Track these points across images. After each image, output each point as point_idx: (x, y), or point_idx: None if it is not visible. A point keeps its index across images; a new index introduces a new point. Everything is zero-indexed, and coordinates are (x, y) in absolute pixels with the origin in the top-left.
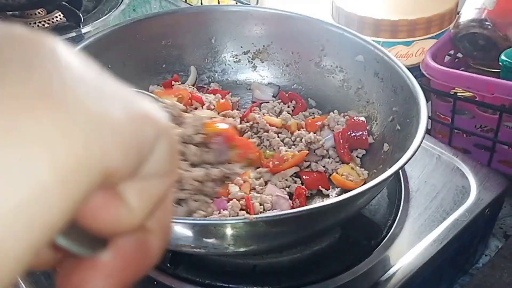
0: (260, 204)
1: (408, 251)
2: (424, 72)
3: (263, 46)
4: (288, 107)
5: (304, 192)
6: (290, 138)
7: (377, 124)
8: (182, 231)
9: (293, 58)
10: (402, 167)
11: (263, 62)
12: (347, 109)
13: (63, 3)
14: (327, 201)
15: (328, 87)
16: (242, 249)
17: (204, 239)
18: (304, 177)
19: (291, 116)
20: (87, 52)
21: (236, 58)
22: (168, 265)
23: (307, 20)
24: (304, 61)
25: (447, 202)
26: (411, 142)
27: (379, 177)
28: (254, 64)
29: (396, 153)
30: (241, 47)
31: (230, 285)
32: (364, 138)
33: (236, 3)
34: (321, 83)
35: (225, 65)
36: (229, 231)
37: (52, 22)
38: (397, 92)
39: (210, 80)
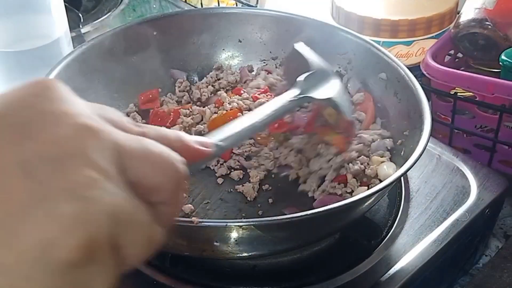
0: None
1: (408, 251)
2: (424, 72)
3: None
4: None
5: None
6: None
7: None
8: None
9: None
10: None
11: None
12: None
13: None
14: (327, 207)
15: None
16: (244, 254)
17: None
18: None
19: None
20: (98, 48)
21: (264, 62)
22: (168, 265)
23: (337, 31)
24: None
25: (447, 202)
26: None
27: (375, 187)
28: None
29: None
30: (270, 52)
31: (230, 286)
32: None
33: (237, 4)
34: None
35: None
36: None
37: None
38: (411, 116)
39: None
